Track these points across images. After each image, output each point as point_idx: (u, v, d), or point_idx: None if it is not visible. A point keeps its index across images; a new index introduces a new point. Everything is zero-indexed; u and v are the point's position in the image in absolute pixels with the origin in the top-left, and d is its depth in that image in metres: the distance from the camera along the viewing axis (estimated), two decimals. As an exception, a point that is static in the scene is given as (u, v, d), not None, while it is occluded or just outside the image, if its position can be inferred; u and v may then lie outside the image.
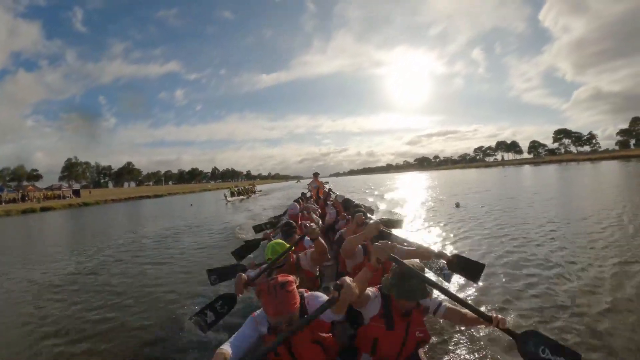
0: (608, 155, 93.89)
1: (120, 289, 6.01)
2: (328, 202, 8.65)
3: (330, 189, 11.64)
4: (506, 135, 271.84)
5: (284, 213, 8.72)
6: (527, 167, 78.51)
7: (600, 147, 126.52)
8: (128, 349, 3.81)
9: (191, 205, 29.20)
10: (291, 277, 1.86)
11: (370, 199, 19.66)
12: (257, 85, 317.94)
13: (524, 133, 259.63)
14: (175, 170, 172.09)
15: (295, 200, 7.91)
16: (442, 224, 9.98)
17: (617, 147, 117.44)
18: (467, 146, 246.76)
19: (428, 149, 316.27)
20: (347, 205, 5.52)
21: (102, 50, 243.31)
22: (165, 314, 4.66)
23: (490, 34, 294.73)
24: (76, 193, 57.50)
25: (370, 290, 2.06)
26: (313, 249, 3.03)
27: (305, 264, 3.16)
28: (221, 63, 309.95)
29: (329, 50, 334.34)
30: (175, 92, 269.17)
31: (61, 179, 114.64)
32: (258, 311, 1.95)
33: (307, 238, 3.50)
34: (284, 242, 3.11)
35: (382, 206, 15.84)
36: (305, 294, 1.98)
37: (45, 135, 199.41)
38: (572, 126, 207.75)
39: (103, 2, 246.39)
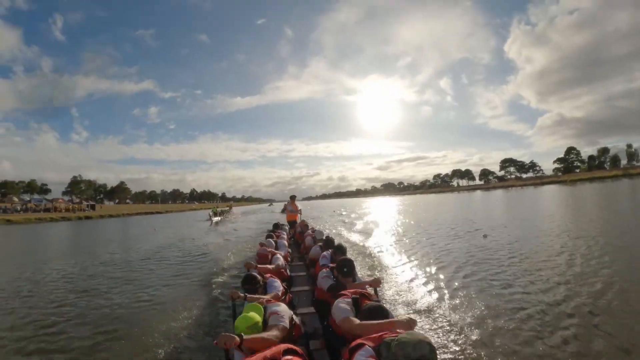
0: (548, 180, 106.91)
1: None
2: (306, 234, 8.15)
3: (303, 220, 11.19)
4: (474, 161, 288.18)
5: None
6: (478, 192, 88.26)
7: (543, 172, 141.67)
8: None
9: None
10: None
11: (342, 227, 21.55)
12: (231, 107, 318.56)
13: (492, 158, 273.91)
14: (158, 190, 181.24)
15: (268, 236, 7.42)
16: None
17: (560, 173, 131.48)
18: (437, 171, 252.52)
19: (399, 174, 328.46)
20: (329, 245, 5.34)
21: (78, 64, 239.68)
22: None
23: (457, 64, 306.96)
24: (92, 207, 68.56)
25: None
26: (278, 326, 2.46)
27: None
28: (196, 84, 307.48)
29: (304, 76, 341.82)
30: (149, 110, 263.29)
31: (64, 193, 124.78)
32: None
33: (272, 278, 3.64)
34: (258, 305, 2.63)
35: (356, 234, 16.33)
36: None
37: (14, 144, 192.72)
38: (537, 150, 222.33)
39: (83, 15, 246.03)
